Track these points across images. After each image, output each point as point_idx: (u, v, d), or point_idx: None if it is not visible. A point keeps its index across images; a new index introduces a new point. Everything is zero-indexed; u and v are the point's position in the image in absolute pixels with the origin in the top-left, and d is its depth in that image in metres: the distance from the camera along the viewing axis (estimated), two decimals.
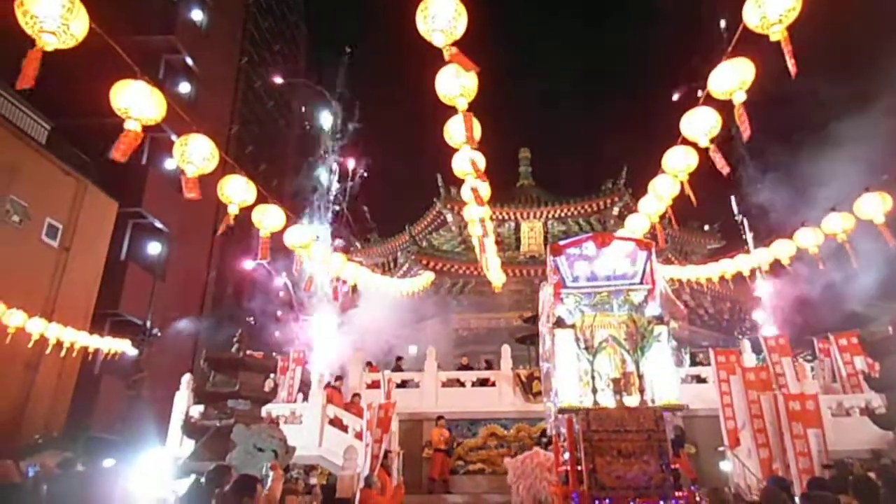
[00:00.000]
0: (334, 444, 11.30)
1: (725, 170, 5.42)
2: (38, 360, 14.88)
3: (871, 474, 5.85)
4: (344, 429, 11.77)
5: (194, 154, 5.61)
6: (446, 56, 4.52)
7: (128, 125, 4.79)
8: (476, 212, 7.91)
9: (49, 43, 3.83)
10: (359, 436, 11.07)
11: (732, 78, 4.90)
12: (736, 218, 20.33)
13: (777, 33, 4.24)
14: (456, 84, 4.95)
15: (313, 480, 10.15)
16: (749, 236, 18.59)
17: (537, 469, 9.52)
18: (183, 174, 5.65)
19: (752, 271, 12.60)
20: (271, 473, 5.15)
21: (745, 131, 4.82)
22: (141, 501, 7.14)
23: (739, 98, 4.87)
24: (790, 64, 4.22)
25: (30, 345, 13.25)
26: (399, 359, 15.91)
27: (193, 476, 6.27)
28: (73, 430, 15.53)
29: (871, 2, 17.87)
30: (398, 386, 13.94)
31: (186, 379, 12.55)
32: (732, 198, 20.93)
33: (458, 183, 7.66)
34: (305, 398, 12.59)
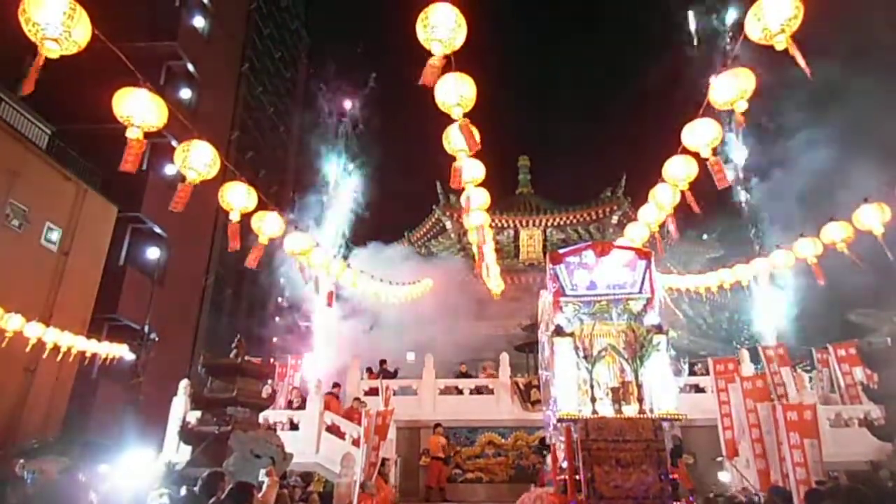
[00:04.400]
0: (332, 451, 11.25)
1: (725, 184, 5.49)
2: (36, 363, 14.82)
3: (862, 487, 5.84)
4: (341, 436, 11.71)
5: (196, 160, 5.62)
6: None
7: (130, 133, 4.79)
8: (475, 219, 7.92)
9: (52, 50, 3.84)
10: (356, 443, 11.02)
11: (734, 88, 4.93)
12: (740, 224, 20.41)
13: (782, 42, 4.21)
14: (454, 93, 4.96)
15: (311, 488, 10.09)
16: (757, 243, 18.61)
17: (538, 501, 9.48)
18: (181, 182, 5.64)
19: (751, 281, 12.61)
20: (266, 480, 5.13)
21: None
22: None
23: (741, 107, 4.91)
24: (804, 67, 4.18)
25: (27, 348, 13.18)
26: (383, 362, 15.42)
27: (186, 484, 6.20)
28: (69, 435, 15.43)
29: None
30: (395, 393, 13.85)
31: (184, 384, 12.49)
32: (737, 204, 21.06)
33: (458, 190, 7.66)
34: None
